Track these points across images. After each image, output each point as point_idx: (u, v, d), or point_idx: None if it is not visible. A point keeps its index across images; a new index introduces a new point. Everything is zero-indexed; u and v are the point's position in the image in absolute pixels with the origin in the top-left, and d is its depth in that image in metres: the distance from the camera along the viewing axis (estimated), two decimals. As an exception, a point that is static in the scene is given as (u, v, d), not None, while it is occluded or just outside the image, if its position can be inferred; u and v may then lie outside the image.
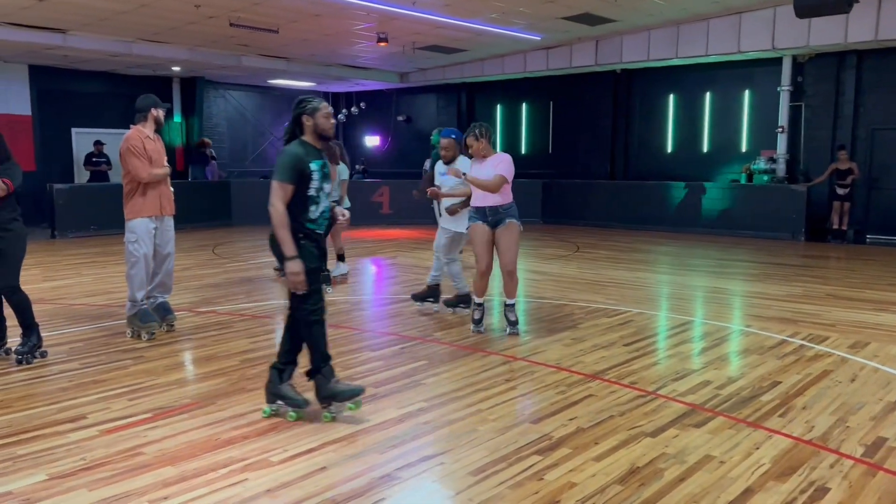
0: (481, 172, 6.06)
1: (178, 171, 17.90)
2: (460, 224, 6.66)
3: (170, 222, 6.11)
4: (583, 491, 3.26)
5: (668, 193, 15.02)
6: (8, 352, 5.28)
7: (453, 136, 6.76)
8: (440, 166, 6.89)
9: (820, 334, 6.22)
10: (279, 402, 4.17)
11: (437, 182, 6.93)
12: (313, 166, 4.06)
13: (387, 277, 9.77)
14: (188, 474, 3.39)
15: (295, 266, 3.96)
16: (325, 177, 4.14)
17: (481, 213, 6.09)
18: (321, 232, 4.19)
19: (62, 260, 10.58)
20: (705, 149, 15.27)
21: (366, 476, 3.39)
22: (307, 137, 4.13)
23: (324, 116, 4.12)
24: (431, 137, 8.36)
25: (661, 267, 10.30)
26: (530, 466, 3.52)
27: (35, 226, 13.68)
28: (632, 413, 4.27)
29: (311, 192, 4.07)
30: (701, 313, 7.26)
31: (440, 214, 7.00)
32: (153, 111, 5.88)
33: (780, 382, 4.88)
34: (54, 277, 9.01)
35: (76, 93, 16.26)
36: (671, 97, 15.67)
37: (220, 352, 5.59)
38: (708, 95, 15.14)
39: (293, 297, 4.13)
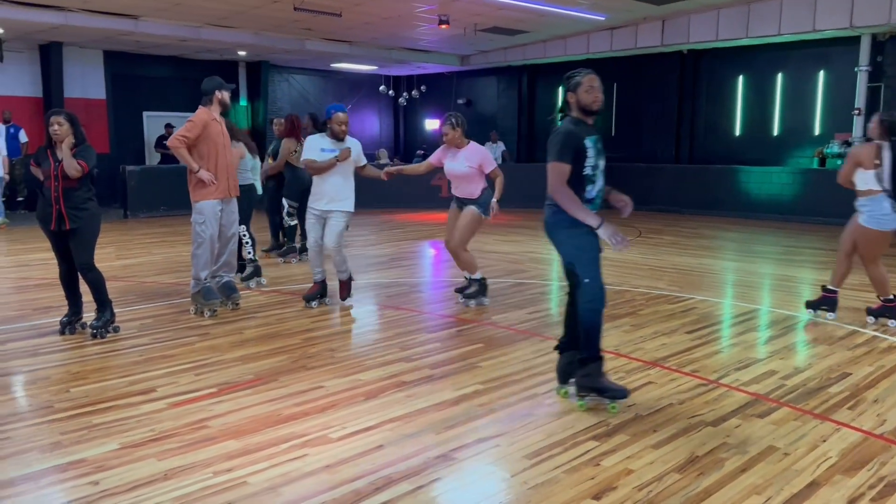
0: (453, 163, 6.31)
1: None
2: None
3: (235, 204, 6.26)
4: (640, 478, 3.23)
5: (735, 178, 14.58)
6: (84, 326, 5.53)
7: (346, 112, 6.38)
8: (323, 141, 6.26)
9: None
10: (597, 396, 4.02)
11: (312, 157, 6.23)
12: (587, 143, 3.96)
13: (444, 260, 9.80)
14: (251, 448, 3.49)
15: (608, 229, 3.92)
16: (600, 153, 4.05)
17: (457, 199, 6.49)
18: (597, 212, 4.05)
19: (134, 239, 10.98)
20: (776, 132, 14.75)
21: (422, 455, 3.43)
22: (575, 114, 4.05)
23: (585, 91, 3.97)
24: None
25: (727, 253, 10.03)
26: (586, 452, 3.50)
27: (108, 206, 14.23)
28: (692, 402, 4.19)
29: (587, 171, 4.00)
30: (767, 301, 7.05)
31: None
32: (217, 93, 5.99)
33: (850, 374, 4.71)
34: (126, 256, 9.36)
35: (147, 77, 16.78)
36: (740, 78, 15.17)
37: (282, 330, 5.72)
38: (780, 76, 14.60)
39: (575, 285, 4.04)
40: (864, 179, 5.75)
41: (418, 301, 6.90)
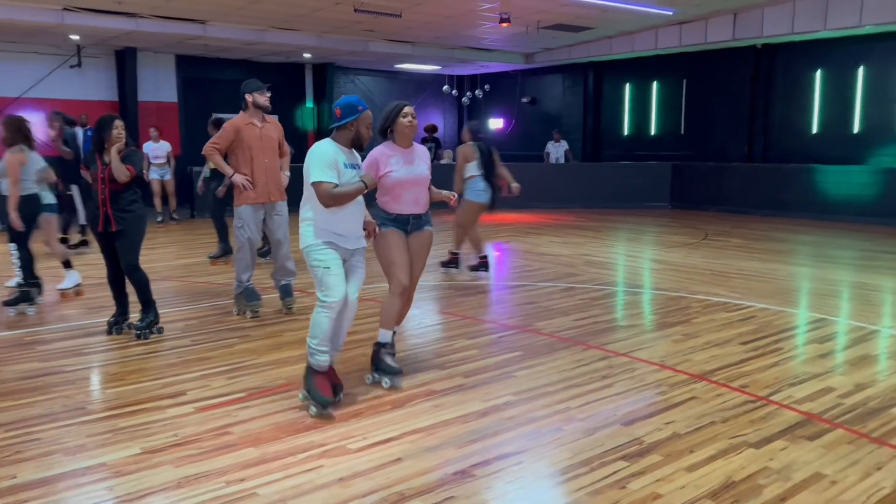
0: (411, 168, 4.44)
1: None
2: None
3: (282, 207, 6.24)
4: (667, 504, 3.02)
5: (811, 177, 13.85)
6: (130, 326, 5.64)
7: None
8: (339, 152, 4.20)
9: (976, 340, 5.48)
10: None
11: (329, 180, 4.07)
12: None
13: (497, 263, 9.65)
14: (268, 457, 3.45)
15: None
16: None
17: (401, 221, 4.53)
18: None
19: (196, 239, 11.26)
20: (856, 129, 13.93)
21: (439, 471, 3.31)
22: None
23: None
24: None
25: (798, 258, 9.51)
26: (614, 473, 3.30)
27: (179, 207, 14.68)
28: (736, 420, 3.93)
29: None
30: (836, 311, 6.61)
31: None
32: (247, 97, 6.00)
33: (919, 394, 4.33)
34: (186, 256, 9.59)
35: (216, 80, 17.20)
36: (818, 73, 14.41)
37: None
38: (861, 70, 13.79)
39: None
40: None
41: (463, 305, 6.77)
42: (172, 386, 4.44)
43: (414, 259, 4.59)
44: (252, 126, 6.00)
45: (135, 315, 5.69)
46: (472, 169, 7.84)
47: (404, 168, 4.42)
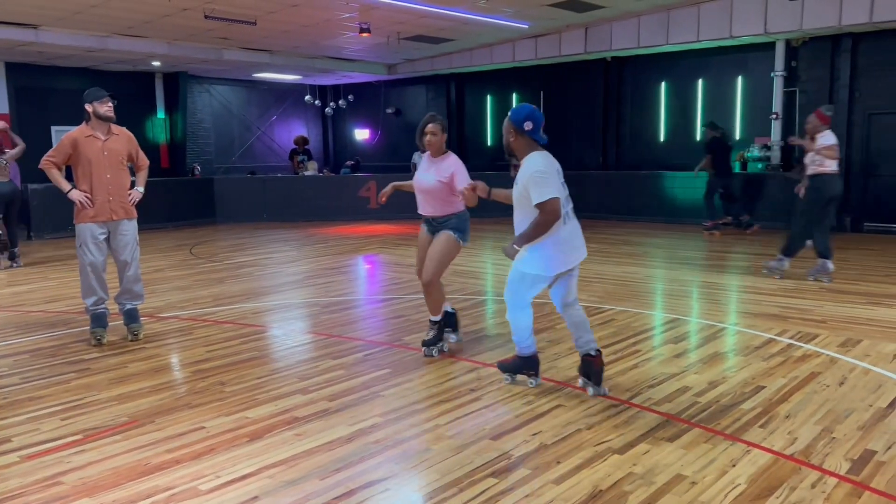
0: (423, 174, 5.29)
1: (164, 169, 17.59)
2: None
3: (127, 226, 5.76)
4: (536, 521, 2.96)
5: (661, 183, 14.67)
6: None
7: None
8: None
9: (809, 332, 5.90)
10: None
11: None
12: None
13: (365, 277, 9.47)
14: (105, 507, 3.09)
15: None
16: None
17: (425, 221, 5.45)
18: None
19: (32, 263, 10.27)
20: (698, 137, 14.88)
21: (299, 507, 3.08)
22: None
23: None
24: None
25: (652, 261, 9.98)
26: (483, 491, 3.21)
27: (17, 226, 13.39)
28: (601, 426, 3.96)
29: None
30: (688, 310, 6.93)
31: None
32: (87, 106, 5.55)
33: (764, 387, 4.57)
34: (19, 282, 8.71)
35: (56, 90, 15.90)
36: (663, 84, 15.31)
37: (172, 362, 5.29)
38: (700, 82, 14.77)
39: None
40: None
41: (328, 323, 6.53)
42: (-6, 433, 3.93)
43: (427, 256, 5.23)
44: (93, 139, 5.51)
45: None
46: None
47: (418, 174, 5.34)
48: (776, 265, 8.36)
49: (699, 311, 6.82)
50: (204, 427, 3.98)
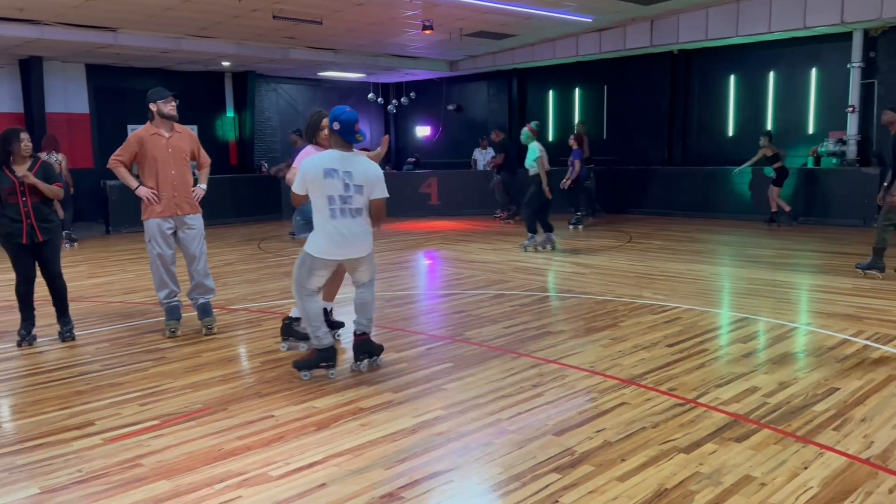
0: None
1: (232, 166, 18.09)
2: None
3: (193, 220, 5.95)
4: (600, 517, 2.95)
5: (729, 179, 14.29)
6: (60, 335, 5.79)
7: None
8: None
9: (887, 333, 5.68)
10: None
11: None
12: None
13: (427, 272, 9.55)
14: (181, 489, 3.22)
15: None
16: None
17: None
18: None
19: (110, 256, 10.73)
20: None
21: (366, 495, 3.15)
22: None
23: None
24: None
25: (719, 258, 9.75)
26: (546, 486, 3.22)
27: (93, 222, 14.00)
28: (666, 424, 3.91)
29: None
30: (757, 309, 6.75)
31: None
32: (151, 106, 5.75)
33: (838, 389, 4.43)
34: (99, 274, 9.11)
35: (132, 90, 16.49)
36: (732, 78, 14.90)
37: (243, 353, 5.46)
38: (771, 75, 14.32)
39: None
40: None
41: (391, 317, 6.62)
42: (79, 416, 4.13)
43: None
44: (158, 137, 5.72)
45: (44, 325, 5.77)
46: None
47: None
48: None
49: (769, 311, 6.64)
50: (273, 416, 4.10)
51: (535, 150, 10.06)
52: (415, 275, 9.25)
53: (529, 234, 10.41)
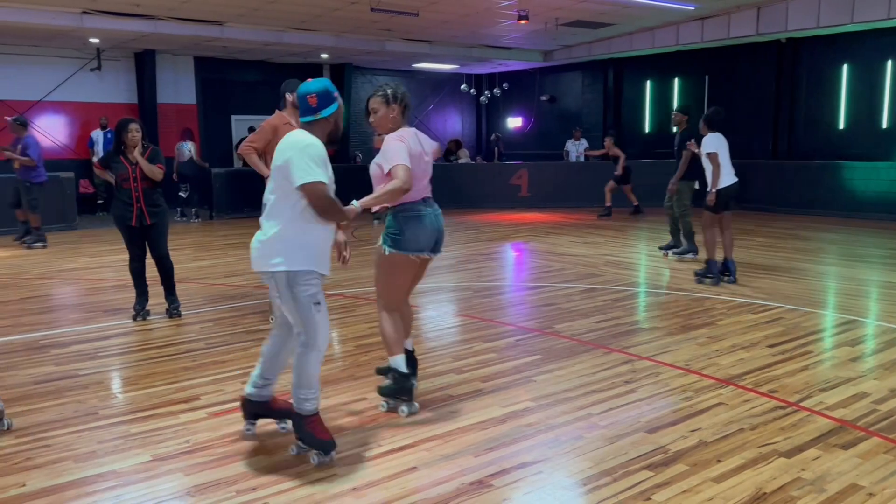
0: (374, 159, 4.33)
1: (329, 157, 18.51)
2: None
3: None
4: (694, 517, 2.89)
5: (838, 174, 13.54)
6: (168, 312, 6.20)
7: None
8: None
9: None
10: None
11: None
12: None
13: (515, 263, 9.53)
14: (281, 464, 3.36)
15: None
16: None
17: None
18: None
19: (214, 241, 11.25)
20: (885, 124, 13.60)
21: (455, 481, 3.19)
22: None
23: None
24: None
25: (825, 257, 9.27)
26: (638, 483, 3.17)
27: (199, 208, 14.70)
28: (766, 427, 3.77)
29: None
30: (866, 312, 6.40)
31: None
32: (287, 96, 5.89)
33: (958, 400, 4.15)
34: (202, 258, 9.56)
35: (235, 82, 17.22)
36: (844, 67, 14.09)
37: (338, 336, 5.62)
38: (889, 64, 13.45)
39: None
40: None
41: (480, 307, 6.65)
42: (186, 391, 4.37)
43: None
44: (290, 126, 5.89)
45: (154, 303, 6.24)
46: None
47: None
48: None
49: (880, 313, 6.27)
50: (366, 399, 4.21)
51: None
52: (504, 266, 9.25)
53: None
